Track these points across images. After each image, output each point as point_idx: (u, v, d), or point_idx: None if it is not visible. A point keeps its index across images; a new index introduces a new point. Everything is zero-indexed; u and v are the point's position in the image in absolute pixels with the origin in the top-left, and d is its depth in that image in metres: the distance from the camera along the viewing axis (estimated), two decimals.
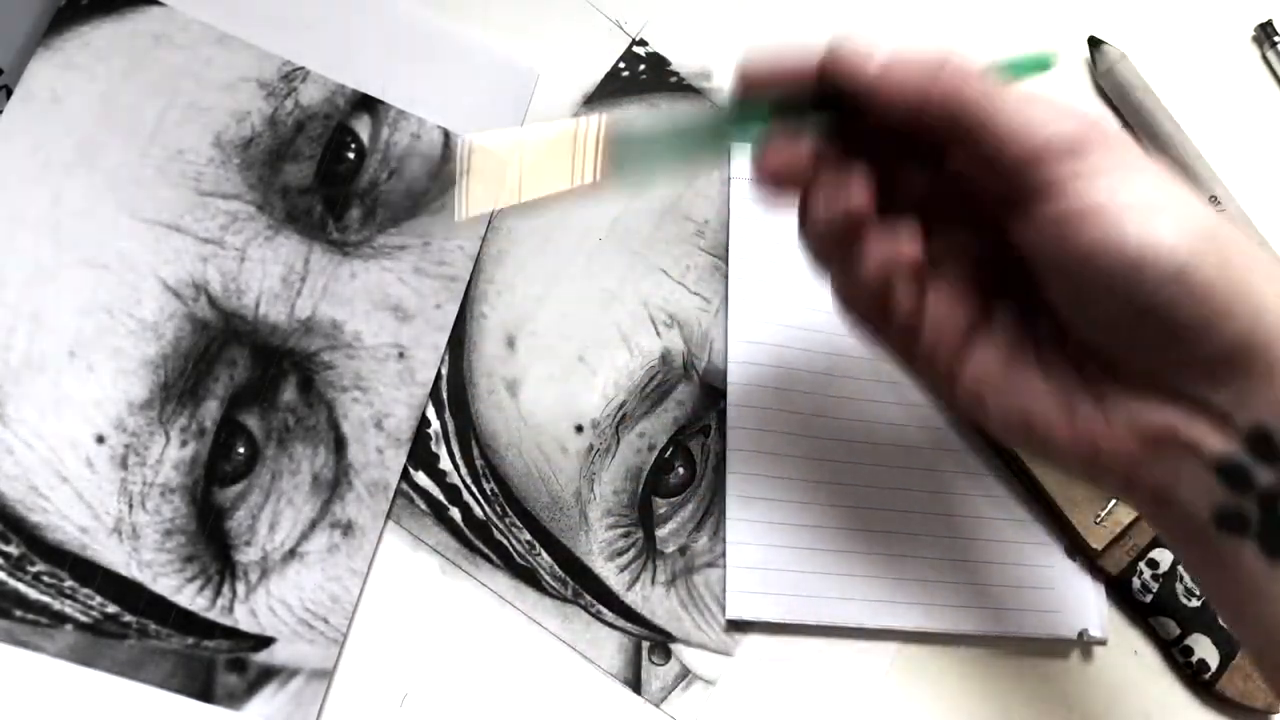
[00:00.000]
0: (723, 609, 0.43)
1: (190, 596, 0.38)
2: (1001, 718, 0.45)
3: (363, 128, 0.45)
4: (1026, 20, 0.57)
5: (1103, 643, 0.46)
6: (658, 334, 0.46)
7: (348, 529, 0.40)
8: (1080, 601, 0.46)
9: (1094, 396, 0.31)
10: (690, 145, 0.31)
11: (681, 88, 0.50)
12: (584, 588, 0.42)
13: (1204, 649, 0.46)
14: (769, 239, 0.48)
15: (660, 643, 0.42)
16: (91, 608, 0.37)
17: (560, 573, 0.42)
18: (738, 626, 0.43)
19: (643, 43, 0.51)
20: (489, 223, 0.46)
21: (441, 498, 0.42)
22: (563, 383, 0.44)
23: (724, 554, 0.43)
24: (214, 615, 0.38)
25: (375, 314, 0.43)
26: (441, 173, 0.45)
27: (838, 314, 0.34)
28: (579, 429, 0.44)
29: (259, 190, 0.43)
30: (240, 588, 0.39)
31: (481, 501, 0.42)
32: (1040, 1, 0.58)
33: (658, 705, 0.41)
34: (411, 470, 0.42)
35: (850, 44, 0.32)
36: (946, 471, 0.46)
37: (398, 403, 0.42)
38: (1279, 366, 0.28)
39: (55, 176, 0.41)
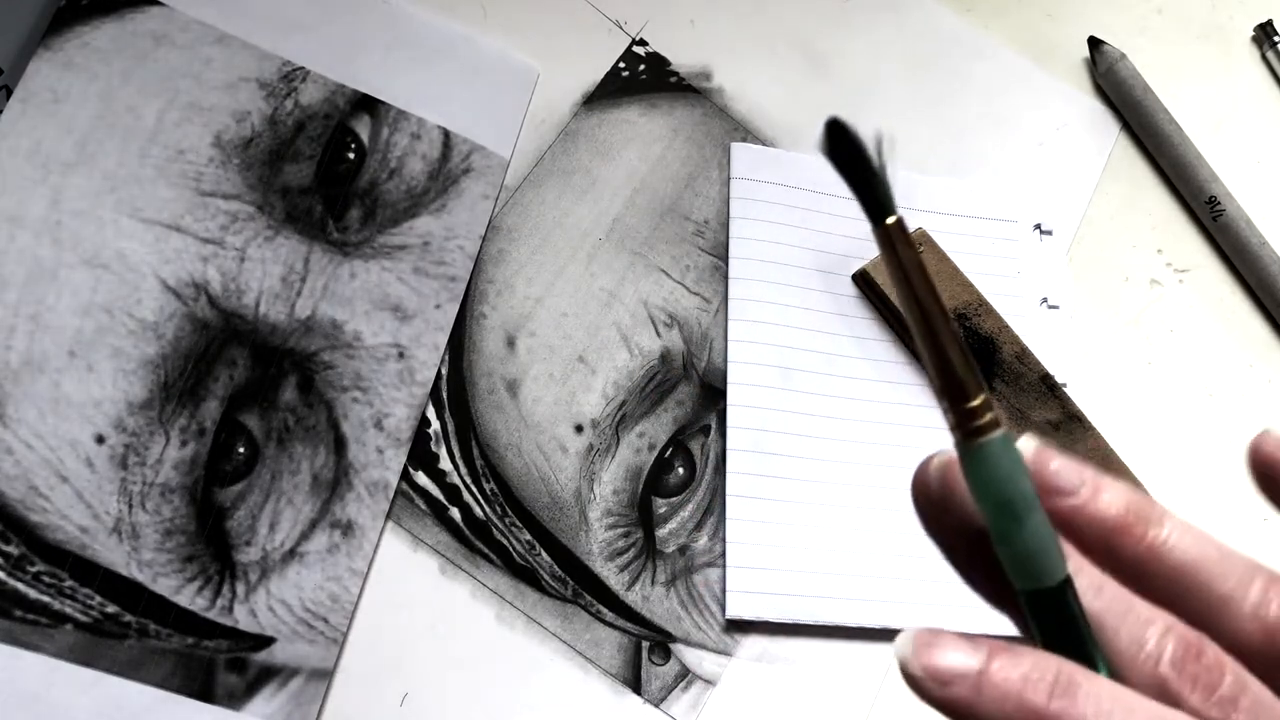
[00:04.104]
0: (723, 609, 0.43)
1: (190, 596, 0.38)
2: None
3: (363, 128, 0.45)
4: (1027, 20, 0.57)
5: None
6: (658, 334, 0.46)
7: (348, 529, 0.40)
8: None
9: None
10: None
11: (681, 87, 0.50)
12: (584, 588, 0.42)
13: None
14: (769, 239, 0.48)
15: (660, 643, 0.42)
16: (91, 607, 0.37)
17: (560, 573, 0.42)
18: (738, 626, 0.43)
19: (643, 43, 0.51)
20: (489, 223, 0.46)
21: (441, 498, 0.42)
22: (563, 383, 0.44)
23: (724, 554, 0.43)
24: (214, 615, 0.38)
25: (375, 314, 0.43)
26: (441, 172, 0.45)
27: None
28: (579, 429, 0.44)
29: (259, 190, 0.43)
30: (240, 588, 0.39)
31: (481, 501, 0.42)
32: (1041, 2, 0.58)
33: (658, 705, 0.41)
34: (411, 470, 0.42)
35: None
36: None
37: (398, 403, 0.42)
38: None
39: (55, 176, 0.41)
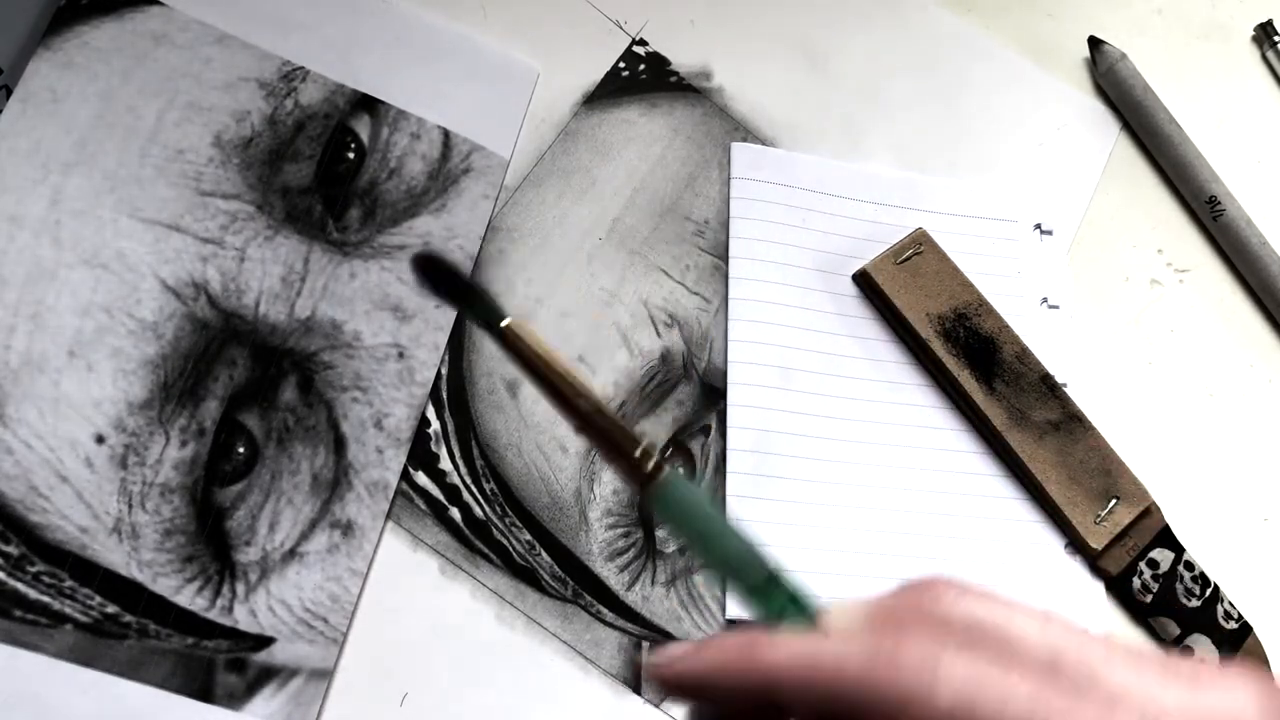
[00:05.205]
0: (723, 609, 0.43)
1: (190, 596, 0.38)
2: None
3: (363, 128, 0.45)
4: (1027, 20, 0.57)
5: None
6: (658, 334, 0.46)
7: (348, 529, 0.40)
8: (1080, 601, 0.46)
9: None
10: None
11: (681, 87, 0.50)
12: (584, 588, 0.42)
13: (1204, 649, 0.46)
14: (769, 239, 0.48)
15: (660, 643, 0.42)
16: (91, 608, 0.37)
17: (560, 573, 0.42)
18: (738, 626, 0.43)
19: (643, 42, 0.51)
20: (489, 223, 0.46)
21: (441, 498, 0.42)
22: None
23: None
24: (214, 615, 0.38)
25: (375, 314, 0.43)
26: (441, 172, 0.45)
27: None
28: None
29: (259, 190, 0.43)
30: (240, 588, 0.39)
31: (481, 501, 0.42)
32: (1041, 2, 0.58)
33: (658, 705, 0.41)
34: (411, 470, 0.42)
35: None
36: (947, 471, 0.46)
37: (397, 402, 0.42)
38: None
39: (55, 176, 0.41)
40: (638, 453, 0.26)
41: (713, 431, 0.45)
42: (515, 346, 0.26)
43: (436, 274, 0.27)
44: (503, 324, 0.26)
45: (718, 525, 0.26)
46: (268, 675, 0.38)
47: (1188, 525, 0.48)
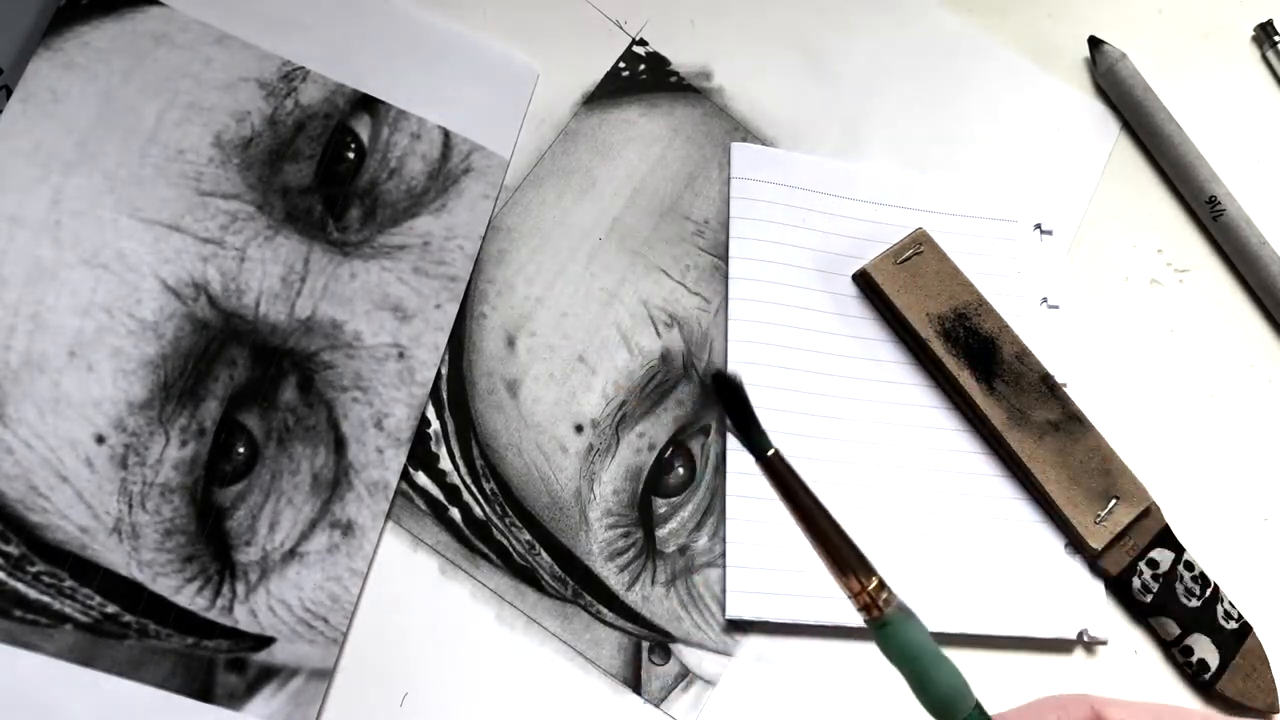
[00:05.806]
0: (723, 609, 0.43)
1: (190, 596, 0.38)
2: None
3: (363, 128, 0.45)
4: (1027, 20, 0.57)
5: (1103, 643, 0.46)
6: (658, 334, 0.46)
7: (348, 529, 0.40)
8: (1080, 601, 0.46)
9: None
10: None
11: (681, 87, 0.50)
12: (584, 588, 0.42)
13: (1204, 649, 0.46)
14: (769, 239, 0.48)
15: (660, 643, 0.42)
16: (91, 608, 0.37)
17: (560, 573, 0.42)
18: (738, 626, 0.43)
19: (643, 42, 0.51)
20: (489, 223, 0.46)
21: (441, 498, 0.42)
22: (563, 383, 0.44)
23: (724, 554, 0.43)
24: (214, 615, 0.38)
25: (375, 314, 0.43)
26: (441, 172, 0.45)
27: None
28: (579, 429, 0.44)
29: (259, 190, 0.43)
30: (240, 588, 0.39)
31: (481, 501, 0.42)
32: (1041, 2, 0.58)
33: (658, 705, 0.41)
34: (411, 470, 0.42)
35: None
36: (947, 471, 0.46)
37: (398, 402, 0.42)
38: None
39: (55, 176, 0.41)
40: (873, 584, 0.28)
41: (713, 431, 0.45)
42: (778, 472, 0.28)
43: (729, 395, 0.29)
44: (769, 453, 0.29)
45: (938, 659, 0.29)
46: (268, 675, 0.38)
47: (1188, 525, 0.48)
